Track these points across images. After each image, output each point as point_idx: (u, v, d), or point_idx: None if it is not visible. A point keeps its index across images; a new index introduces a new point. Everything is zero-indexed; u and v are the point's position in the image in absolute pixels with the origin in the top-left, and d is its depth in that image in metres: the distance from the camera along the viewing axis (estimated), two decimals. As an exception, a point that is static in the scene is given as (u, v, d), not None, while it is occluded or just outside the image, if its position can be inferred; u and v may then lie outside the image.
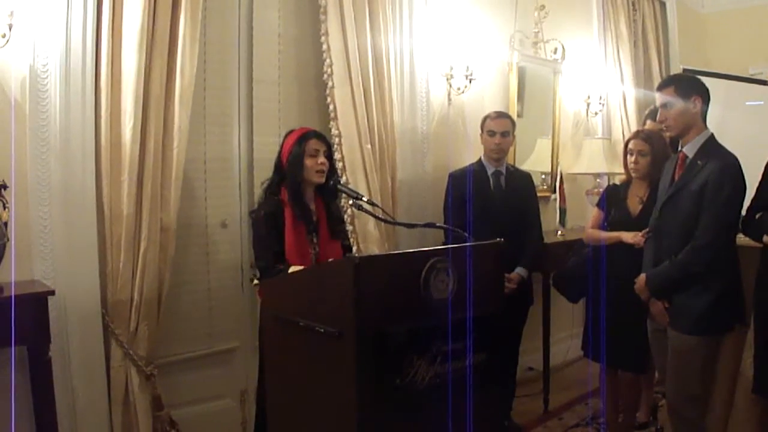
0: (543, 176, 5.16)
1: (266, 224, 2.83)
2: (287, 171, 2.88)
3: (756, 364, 2.94)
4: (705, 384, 2.95)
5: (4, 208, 2.48)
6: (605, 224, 3.61)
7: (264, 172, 3.08)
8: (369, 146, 3.65)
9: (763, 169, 3.00)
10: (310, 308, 2.27)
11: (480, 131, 3.89)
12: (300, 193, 2.88)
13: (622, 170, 3.69)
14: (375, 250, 3.61)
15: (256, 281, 2.98)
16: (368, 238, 3.66)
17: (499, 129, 3.79)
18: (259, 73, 3.54)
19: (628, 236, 3.37)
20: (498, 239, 2.51)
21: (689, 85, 2.93)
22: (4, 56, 2.58)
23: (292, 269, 2.69)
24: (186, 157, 3.04)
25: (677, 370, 2.93)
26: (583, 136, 5.42)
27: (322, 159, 2.89)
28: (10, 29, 2.48)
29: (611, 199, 3.64)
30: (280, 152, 2.96)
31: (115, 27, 2.80)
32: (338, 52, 3.56)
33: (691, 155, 2.92)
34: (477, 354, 2.35)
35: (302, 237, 2.83)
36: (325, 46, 3.57)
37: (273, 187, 2.92)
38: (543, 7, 4.92)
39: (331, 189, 2.97)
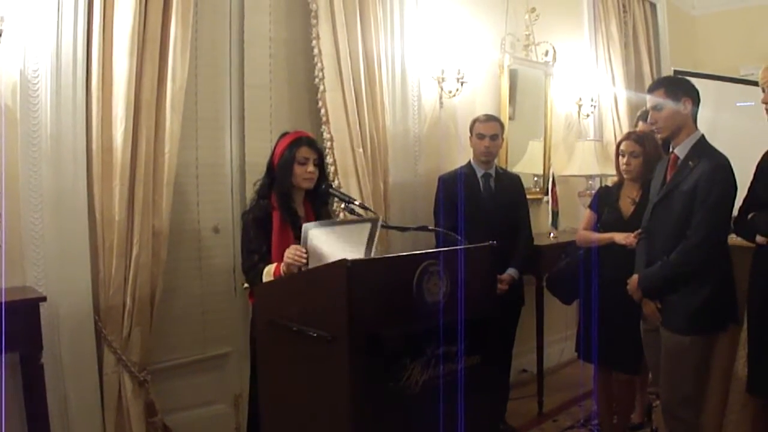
0: (535, 178, 5.16)
1: (254, 227, 2.82)
2: (276, 175, 2.87)
3: (749, 364, 2.94)
4: (699, 384, 2.96)
5: (-5, 214, 2.48)
6: (597, 226, 3.61)
7: (256, 176, 3.06)
8: (361, 150, 3.65)
9: (754, 169, 3.01)
10: (303, 312, 2.26)
11: (469, 134, 3.89)
12: (289, 197, 2.87)
13: (614, 172, 3.69)
14: (368, 253, 3.60)
15: (247, 285, 2.98)
16: (361, 241, 3.65)
17: (488, 132, 3.80)
18: (251, 78, 3.54)
19: (621, 237, 3.37)
20: (490, 242, 2.51)
21: (679, 87, 2.95)
22: (-6, 61, 2.57)
23: (266, 268, 2.69)
24: (178, 161, 3.04)
25: (671, 370, 2.93)
26: (575, 138, 5.43)
27: (311, 168, 2.87)
28: (0, 34, 2.47)
29: (603, 201, 3.64)
30: (272, 154, 2.94)
31: (105, 31, 2.80)
32: (329, 56, 3.56)
33: (682, 156, 2.93)
34: (470, 357, 2.35)
35: (289, 241, 2.82)
36: (316, 50, 3.56)
37: (264, 190, 2.90)
38: (534, 9, 4.94)
39: (320, 195, 2.96)
